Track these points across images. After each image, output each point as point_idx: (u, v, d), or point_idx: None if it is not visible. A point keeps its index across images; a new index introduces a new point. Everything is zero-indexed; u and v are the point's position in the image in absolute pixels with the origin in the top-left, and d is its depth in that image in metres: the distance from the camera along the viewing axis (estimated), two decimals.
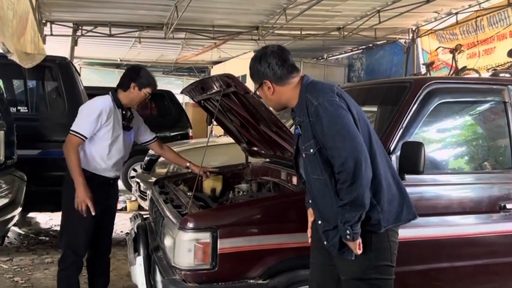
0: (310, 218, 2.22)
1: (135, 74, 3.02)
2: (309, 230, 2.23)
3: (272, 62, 2.05)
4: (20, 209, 3.87)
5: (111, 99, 2.97)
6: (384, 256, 1.97)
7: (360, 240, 1.91)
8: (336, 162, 1.88)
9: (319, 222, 2.06)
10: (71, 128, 2.87)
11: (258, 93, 2.18)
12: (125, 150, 3.07)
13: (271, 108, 2.50)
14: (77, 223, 2.87)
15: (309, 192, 2.13)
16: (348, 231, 1.88)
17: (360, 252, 1.91)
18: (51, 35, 9.22)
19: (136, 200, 6.50)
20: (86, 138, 2.87)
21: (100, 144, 2.93)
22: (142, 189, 5.65)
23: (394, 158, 2.40)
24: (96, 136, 2.91)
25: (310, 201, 2.15)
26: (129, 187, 7.51)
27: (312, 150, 1.97)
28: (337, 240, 1.96)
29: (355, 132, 1.89)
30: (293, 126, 2.20)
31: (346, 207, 1.87)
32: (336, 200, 1.93)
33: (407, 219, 2.02)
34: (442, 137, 2.92)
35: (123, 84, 3.01)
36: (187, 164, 3.31)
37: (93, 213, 2.82)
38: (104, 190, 3.01)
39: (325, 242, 2.03)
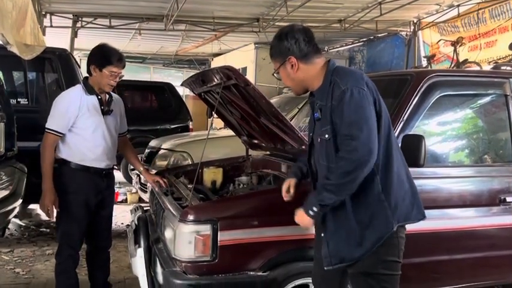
0: None
1: (91, 55, 2.89)
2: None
3: (299, 37, 1.98)
4: (20, 200, 3.86)
5: (81, 87, 2.89)
6: (392, 252, 1.96)
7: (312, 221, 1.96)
8: (344, 148, 1.84)
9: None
10: (46, 126, 2.82)
11: (276, 74, 2.09)
12: (111, 136, 2.97)
13: (272, 101, 2.49)
14: (70, 216, 2.87)
15: (313, 180, 2.11)
16: (315, 208, 1.89)
17: (300, 224, 1.98)
18: (51, 26, 9.16)
19: (136, 192, 6.51)
20: (62, 133, 2.82)
21: (83, 135, 2.86)
22: (142, 181, 5.65)
23: None
24: (76, 128, 2.84)
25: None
26: (129, 179, 7.52)
27: (327, 136, 1.93)
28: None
29: (373, 127, 1.85)
30: (294, 118, 2.19)
31: (329, 188, 1.85)
32: None
33: (417, 219, 2.01)
34: (443, 130, 2.92)
35: (87, 70, 2.90)
36: (141, 169, 3.26)
37: (50, 218, 2.81)
38: (97, 182, 2.95)
39: (321, 235, 2.03)
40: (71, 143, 2.87)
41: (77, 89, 2.91)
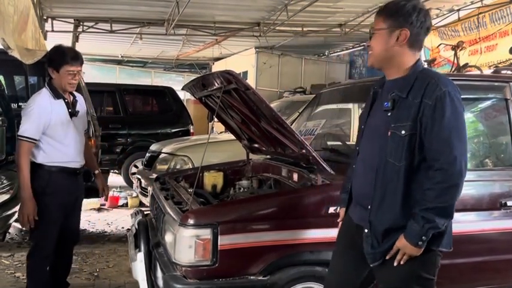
0: (340, 219, 2.15)
1: (47, 59, 2.92)
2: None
3: (426, 22, 1.85)
4: None
5: (49, 93, 2.90)
6: (429, 269, 1.86)
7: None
8: (441, 158, 1.72)
9: (356, 208, 1.97)
10: (18, 133, 2.81)
11: (372, 34, 1.90)
12: (80, 136, 3.04)
13: (272, 105, 2.49)
14: (48, 218, 2.88)
15: (365, 174, 1.93)
16: (424, 238, 1.73)
17: (402, 262, 1.80)
18: (52, 31, 9.19)
19: (137, 196, 6.51)
20: (36, 140, 2.83)
21: (55, 139, 2.89)
22: (143, 185, 5.66)
23: None
24: (48, 133, 2.87)
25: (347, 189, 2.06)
26: (130, 183, 7.52)
27: (403, 132, 1.78)
28: (387, 246, 1.83)
29: (466, 137, 1.78)
30: (295, 122, 2.18)
31: (439, 212, 1.71)
32: (399, 192, 1.79)
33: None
34: None
35: (47, 73, 2.94)
36: (96, 172, 3.27)
37: (27, 228, 2.84)
38: (72, 181, 3.00)
39: (365, 230, 1.88)
40: (45, 147, 2.89)
41: (45, 95, 2.90)
